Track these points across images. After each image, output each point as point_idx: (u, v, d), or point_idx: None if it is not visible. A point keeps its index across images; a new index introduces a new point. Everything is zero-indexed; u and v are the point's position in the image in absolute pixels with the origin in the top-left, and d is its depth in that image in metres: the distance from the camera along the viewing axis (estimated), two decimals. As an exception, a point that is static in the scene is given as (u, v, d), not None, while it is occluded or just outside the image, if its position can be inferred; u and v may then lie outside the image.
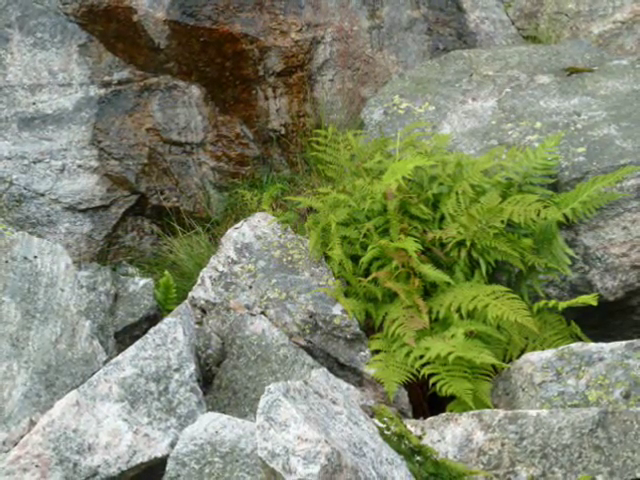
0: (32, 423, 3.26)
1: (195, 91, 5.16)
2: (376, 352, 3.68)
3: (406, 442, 2.84)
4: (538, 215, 3.75)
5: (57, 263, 3.63)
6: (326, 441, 2.31)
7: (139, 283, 4.44)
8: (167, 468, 2.87)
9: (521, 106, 4.51)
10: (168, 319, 3.41)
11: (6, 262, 3.55)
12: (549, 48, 5.08)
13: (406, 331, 3.57)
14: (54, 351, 3.44)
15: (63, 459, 3.02)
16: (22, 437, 3.17)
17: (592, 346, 3.39)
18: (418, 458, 2.83)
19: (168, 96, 5.12)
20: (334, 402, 2.62)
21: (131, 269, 4.79)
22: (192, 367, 3.27)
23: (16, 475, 2.98)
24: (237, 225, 4.13)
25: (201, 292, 3.89)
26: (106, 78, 5.03)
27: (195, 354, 3.49)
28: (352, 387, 3.59)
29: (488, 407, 3.36)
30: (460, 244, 3.82)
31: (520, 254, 3.78)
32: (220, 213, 5.15)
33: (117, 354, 3.40)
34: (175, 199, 5.14)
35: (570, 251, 3.90)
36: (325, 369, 2.76)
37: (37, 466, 3.00)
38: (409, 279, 3.75)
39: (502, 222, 3.77)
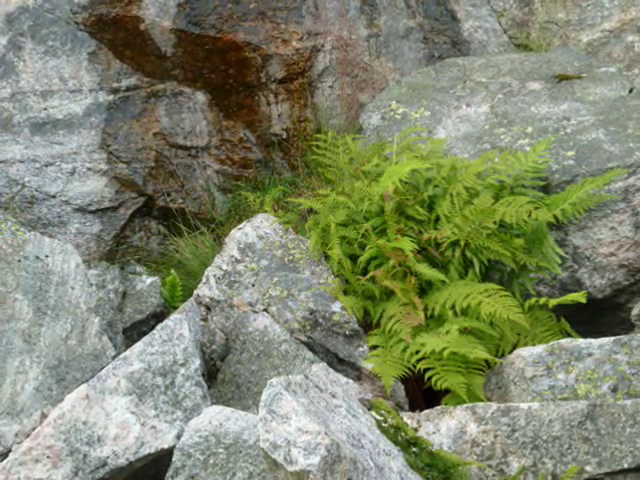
0: (43, 416, 3.26)
1: (200, 97, 5.16)
2: (374, 348, 3.68)
3: (402, 434, 2.84)
4: (529, 216, 3.75)
5: (68, 262, 3.62)
6: (326, 433, 2.30)
7: (146, 281, 4.44)
8: (173, 459, 2.87)
9: (513, 111, 4.51)
10: (174, 316, 3.41)
11: (19, 261, 3.55)
12: (540, 56, 5.07)
13: (402, 327, 3.57)
14: (65, 347, 3.44)
15: (73, 450, 3.02)
16: (34, 429, 3.17)
17: (581, 342, 3.39)
18: (414, 449, 2.83)
19: (174, 102, 5.12)
20: (333, 396, 2.62)
21: (139, 268, 4.79)
22: (197, 362, 3.27)
23: (28, 466, 2.98)
24: (240, 226, 4.12)
25: (206, 290, 3.89)
26: (114, 84, 5.03)
27: (200, 349, 3.48)
28: (351, 381, 3.59)
29: (481, 400, 3.36)
30: (454, 244, 3.82)
31: (512, 253, 3.78)
32: (224, 214, 5.15)
33: (125, 350, 3.39)
34: (181, 201, 5.14)
35: (560, 250, 3.90)
36: (325, 364, 2.76)
37: (48, 457, 3.00)
38: (405, 277, 3.74)
39: (495, 223, 3.76)
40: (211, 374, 3.70)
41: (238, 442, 2.84)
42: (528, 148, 4.19)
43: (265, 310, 3.77)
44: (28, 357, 3.37)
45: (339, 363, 3.71)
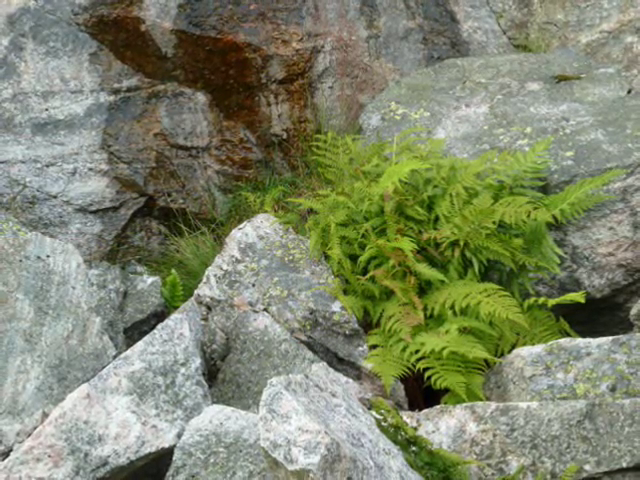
0: (45, 415, 3.26)
1: (201, 98, 5.16)
2: (373, 347, 3.68)
3: (402, 433, 2.84)
4: (528, 216, 3.74)
5: (69, 262, 3.63)
6: (326, 432, 2.31)
7: (147, 281, 4.44)
8: (174, 458, 2.87)
9: (512, 112, 4.51)
10: (175, 315, 3.41)
11: (20, 261, 3.55)
12: (539, 57, 5.07)
13: (402, 327, 3.57)
14: (66, 346, 3.44)
15: (74, 449, 3.02)
16: (35, 428, 3.17)
17: (580, 341, 3.39)
18: (414, 448, 2.83)
19: (175, 102, 5.12)
20: (333, 395, 2.62)
21: (139, 268, 4.79)
22: (198, 361, 3.27)
23: (30, 465, 2.98)
24: (241, 226, 4.13)
25: (206, 290, 3.89)
26: (115, 85, 5.03)
27: (200, 349, 3.48)
28: (351, 381, 3.59)
29: (480, 400, 3.36)
30: (454, 244, 3.82)
31: (511, 253, 3.78)
32: (224, 214, 5.15)
33: (126, 349, 3.39)
34: (181, 201, 5.14)
35: (559, 250, 3.90)
36: (325, 363, 2.76)
37: (50, 456, 3.00)
38: (405, 277, 3.75)
39: (494, 223, 3.76)
40: (211, 373, 3.70)
41: (238, 441, 2.85)
42: (527, 148, 4.19)
43: (265, 310, 3.77)
44: (29, 356, 3.37)
45: (339, 362, 3.71)
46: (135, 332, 4.20)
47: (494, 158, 4.10)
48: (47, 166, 4.90)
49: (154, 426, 3.10)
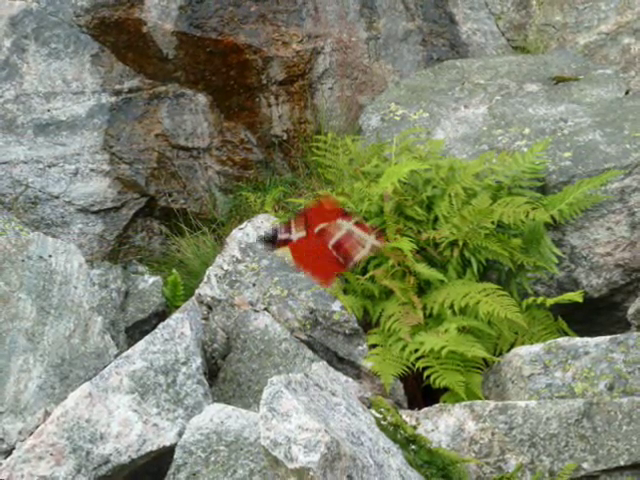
0: (47, 414, 3.26)
1: (201, 99, 5.16)
2: (373, 346, 3.68)
3: (401, 432, 2.84)
4: (527, 216, 3.74)
5: (71, 262, 3.62)
6: (326, 431, 2.30)
7: (148, 281, 4.43)
8: (175, 456, 2.87)
9: (511, 113, 4.51)
10: (176, 315, 3.40)
11: (22, 261, 3.55)
12: (537, 58, 5.07)
13: (402, 326, 3.57)
14: (68, 345, 3.44)
15: (76, 448, 3.02)
16: (37, 427, 3.17)
17: (578, 340, 3.39)
18: (413, 447, 2.83)
19: (176, 104, 5.12)
20: (333, 394, 2.62)
21: (141, 267, 4.78)
22: (199, 360, 3.27)
23: (32, 463, 2.98)
24: (241, 226, 4.12)
25: (207, 289, 3.89)
26: (117, 86, 5.03)
27: (201, 348, 3.48)
28: (350, 380, 3.59)
29: (479, 398, 3.36)
30: (453, 244, 3.81)
31: (510, 253, 3.78)
32: (225, 214, 5.14)
33: (127, 348, 3.39)
34: (183, 201, 5.14)
35: (557, 250, 3.90)
36: (325, 362, 2.75)
37: (52, 454, 3.00)
38: (404, 277, 3.74)
39: (492, 223, 3.76)
40: (212, 372, 3.70)
41: (239, 440, 2.85)
42: (526, 149, 4.18)
43: (266, 309, 3.77)
44: (32, 356, 3.37)
45: (339, 362, 3.71)
46: (136, 331, 4.20)
47: (493, 159, 4.10)
48: (49, 167, 4.90)
49: (155, 425, 3.10)
